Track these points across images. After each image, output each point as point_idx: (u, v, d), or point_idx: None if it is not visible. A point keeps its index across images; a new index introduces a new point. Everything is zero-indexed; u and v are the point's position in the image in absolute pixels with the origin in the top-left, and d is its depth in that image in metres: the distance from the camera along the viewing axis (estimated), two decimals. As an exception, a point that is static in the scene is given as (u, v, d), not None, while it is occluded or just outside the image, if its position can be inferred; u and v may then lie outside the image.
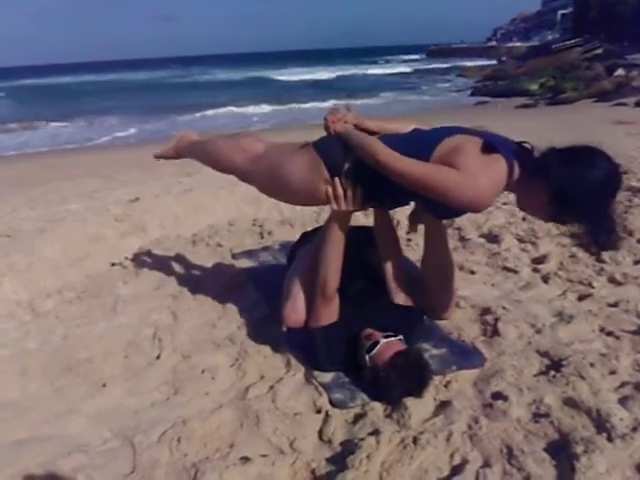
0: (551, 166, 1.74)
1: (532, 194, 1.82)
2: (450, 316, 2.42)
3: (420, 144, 1.90)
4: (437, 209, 1.98)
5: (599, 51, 25.09)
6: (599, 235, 1.77)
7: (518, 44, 50.65)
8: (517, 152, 1.83)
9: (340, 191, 2.03)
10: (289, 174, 2.13)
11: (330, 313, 2.18)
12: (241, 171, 2.33)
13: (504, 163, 1.78)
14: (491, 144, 1.79)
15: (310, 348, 2.16)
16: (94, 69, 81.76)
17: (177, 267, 3.35)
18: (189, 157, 2.69)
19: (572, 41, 30.26)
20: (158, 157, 2.84)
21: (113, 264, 3.53)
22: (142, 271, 3.31)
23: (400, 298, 2.29)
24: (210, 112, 19.77)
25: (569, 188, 1.70)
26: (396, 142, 1.92)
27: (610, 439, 1.62)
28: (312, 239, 2.46)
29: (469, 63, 40.12)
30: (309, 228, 3.18)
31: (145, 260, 3.49)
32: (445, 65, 43.22)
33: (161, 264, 3.39)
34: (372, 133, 2.07)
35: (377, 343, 1.98)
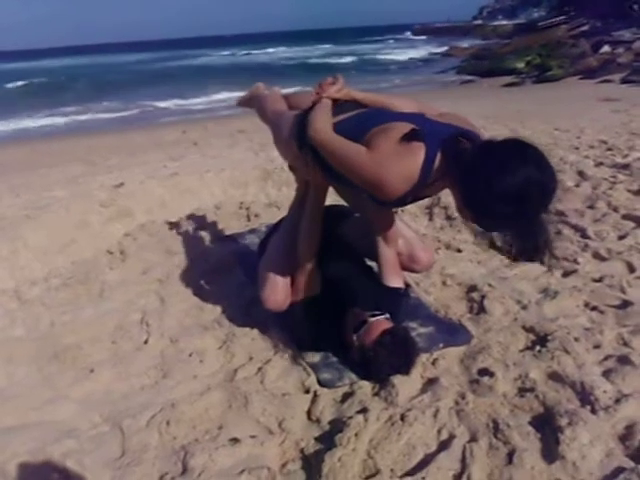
0: (464, 165, 1.54)
1: (454, 194, 1.64)
2: (428, 263, 2.35)
3: (365, 123, 1.81)
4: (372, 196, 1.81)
5: (585, 28, 25.03)
6: (517, 247, 1.56)
7: (504, 22, 50.34)
8: (448, 145, 1.62)
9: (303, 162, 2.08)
10: (281, 140, 2.24)
11: (309, 286, 2.18)
12: (269, 124, 2.44)
13: (421, 155, 1.60)
14: (419, 132, 1.63)
15: (292, 325, 2.17)
16: (71, 54, 79.23)
17: (163, 251, 3.33)
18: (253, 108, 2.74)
19: (558, 18, 30.15)
20: (238, 104, 2.94)
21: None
22: (128, 256, 3.29)
23: (389, 278, 2.27)
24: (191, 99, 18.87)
25: (476, 192, 1.50)
26: (356, 121, 1.89)
27: (594, 411, 1.65)
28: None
29: (455, 42, 39.84)
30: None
31: (131, 245, 3.47)
32: (431, 44, 42.83)
33: (147, 249, 3.38)
34: (364, 105, 2.04)
35: (364, 322, 1.99)
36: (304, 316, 2.14)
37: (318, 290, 2.19)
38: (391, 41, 57.85)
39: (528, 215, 1.48)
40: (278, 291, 2.20)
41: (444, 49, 34.61)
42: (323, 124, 1.85)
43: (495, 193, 1.44)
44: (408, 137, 1.64)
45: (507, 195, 1.43)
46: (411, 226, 2.42)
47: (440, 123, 1.75)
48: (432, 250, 2.42)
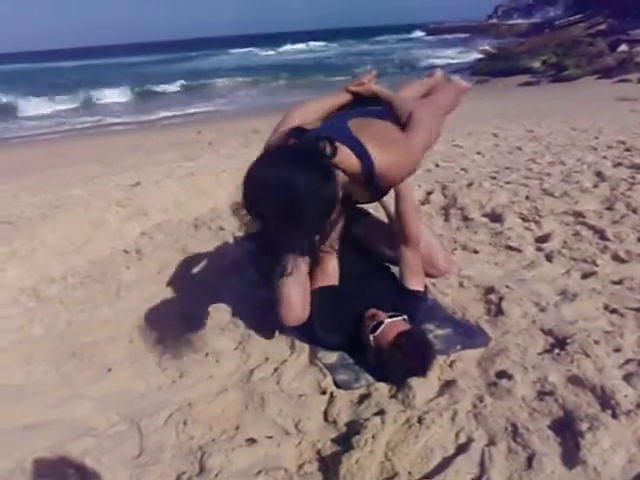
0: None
1: None
2: (446, 270, 2.36)
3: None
4: None
5: (602, 27, 24.75)
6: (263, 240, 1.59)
7: (520, 21, 49.90)
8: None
9: None
10: None
11: (322, 275, 2.19)
12: None
13: None
14: (298, 131, 1.73)
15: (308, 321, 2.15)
16: (78, 56, 78.64)
17: (179, 251, 3.34)
18: None
19: (574, 17, 29.85)
20: None
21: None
22: (145, 256, 3.31)
23: (410, 281, 2.25)
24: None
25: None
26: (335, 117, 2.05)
27: (615, 416, 1.62)
28: None
29: (470, 41, 39.64)
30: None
31: (147, 244, 3.49)
32: (444, 44, 42.54)
33: (163, 248, 3.39)
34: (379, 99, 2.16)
35: (381, 323, 1.97)
36: (320, 309, 2.14)
37: (331, 282, 2.21)
38: (429, 40, 57.10)
39: (271, 213, 1.46)
40: (295, 307, 2.11)
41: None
42: (299, 108, 2.04)
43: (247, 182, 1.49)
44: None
45: (252, 187, 1.48)
46: (434, 232, 2.40)
47: (346, 128, 1.81)
48: (452, 258, 2.42)
